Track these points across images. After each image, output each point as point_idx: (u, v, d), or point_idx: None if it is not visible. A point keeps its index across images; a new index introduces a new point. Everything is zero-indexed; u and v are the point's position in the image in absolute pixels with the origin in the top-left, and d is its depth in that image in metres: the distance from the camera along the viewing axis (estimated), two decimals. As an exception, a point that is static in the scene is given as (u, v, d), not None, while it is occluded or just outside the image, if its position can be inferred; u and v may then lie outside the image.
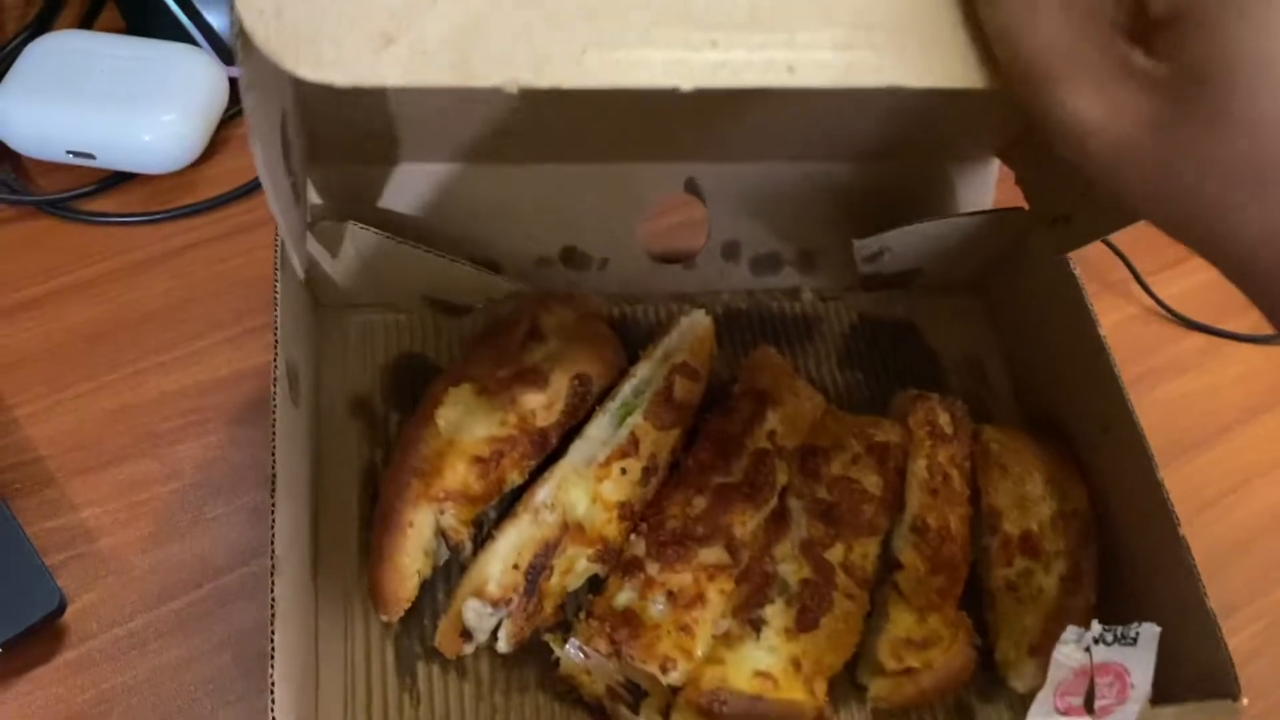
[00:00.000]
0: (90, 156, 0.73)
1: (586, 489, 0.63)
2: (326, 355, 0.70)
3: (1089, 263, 0.84)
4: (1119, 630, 0.53)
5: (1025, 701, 0.58)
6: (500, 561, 0.59)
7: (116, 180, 0.75)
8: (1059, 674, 0.55)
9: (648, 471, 0.64)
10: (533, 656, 0.63)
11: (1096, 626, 0.53)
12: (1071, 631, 0.54)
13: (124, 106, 0.73)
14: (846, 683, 0.64)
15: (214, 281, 0.73)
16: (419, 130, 0.66)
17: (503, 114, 0.64)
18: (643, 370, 0.68)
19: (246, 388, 0.70)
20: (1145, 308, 0.86)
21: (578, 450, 0.64)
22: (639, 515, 0.64)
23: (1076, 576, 0.65)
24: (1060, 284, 0.72)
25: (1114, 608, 0.66)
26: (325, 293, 0.70)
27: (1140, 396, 0.66)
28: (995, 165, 0.78)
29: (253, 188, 0.77)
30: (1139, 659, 0.54)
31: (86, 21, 0.83)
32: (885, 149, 0.73)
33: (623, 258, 0.76)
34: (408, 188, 0.73)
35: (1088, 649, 0.54)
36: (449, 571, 0.64)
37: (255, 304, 0.72)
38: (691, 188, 0.75)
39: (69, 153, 0.73)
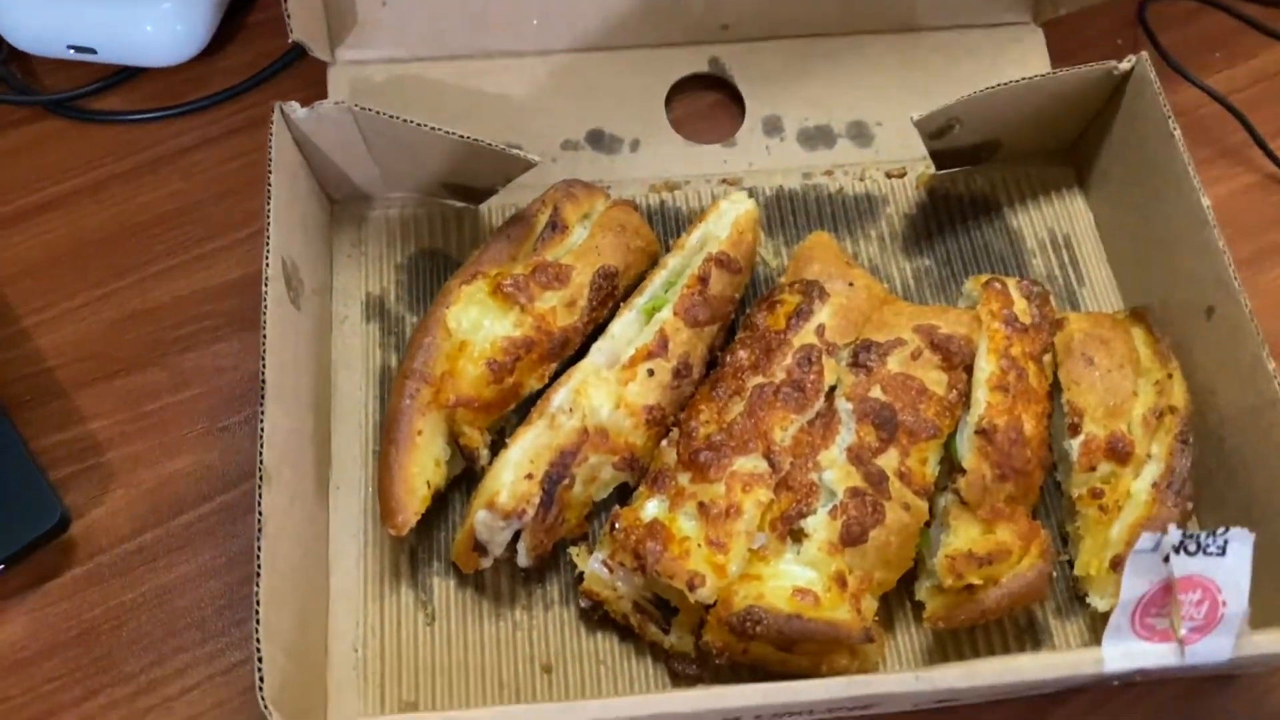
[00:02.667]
0: (92, 51, 0.69)
1: (609, 392, 0.57)
2: (341, 254, 0.66)
3: (1200, 124, 0.74)
4: (1202, 536, 0.45)
5: (1107, 622, 0.51)
6: (512, 470, 0.55)
7: (123, 76, 0.72)
8: (1135, 589, 0.47)
9: (678, 373, 0.59)
10: (555, 572, 0.58)
11: (1175, 531, 0.45)
12: (1147, 538, 0.46)
13: (124, -4, 0.69)
14: (901, 601, 0.58)
15: (225, 180, 0.69)
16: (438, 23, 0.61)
17: None
18: (674, 261, 0.61)
19: (259, 292, 0.66)
20: (1265, 175, 0.74)
21: (600, 350, 0.58)
22: (668, 420, 0.58)
23: (1170, 484, 0.57)
24: (1161, 149, 0.63)
25: (1214, 519, 0.59)
26: (337, 187, 0.66)
27: (1253, 278, 0.58)
28: (1041, 33, 0.72)
29: (264, 78, 0.72)
30: (1230, 572, 0.46)
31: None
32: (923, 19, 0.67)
33: (656, 139, 0.69)
34: (425, 85, 0.68)
35: (1167, 559, 0.46)
36: (468, 482, 0.59)
37: (269, 203, 0.68)
38: (717, 66, 0.69)
39: (70, 48, 0.69)
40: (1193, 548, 0.45)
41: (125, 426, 0.62)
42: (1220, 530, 0.46)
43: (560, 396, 0.57)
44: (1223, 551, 0.46)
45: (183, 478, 0.60)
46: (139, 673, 0.56)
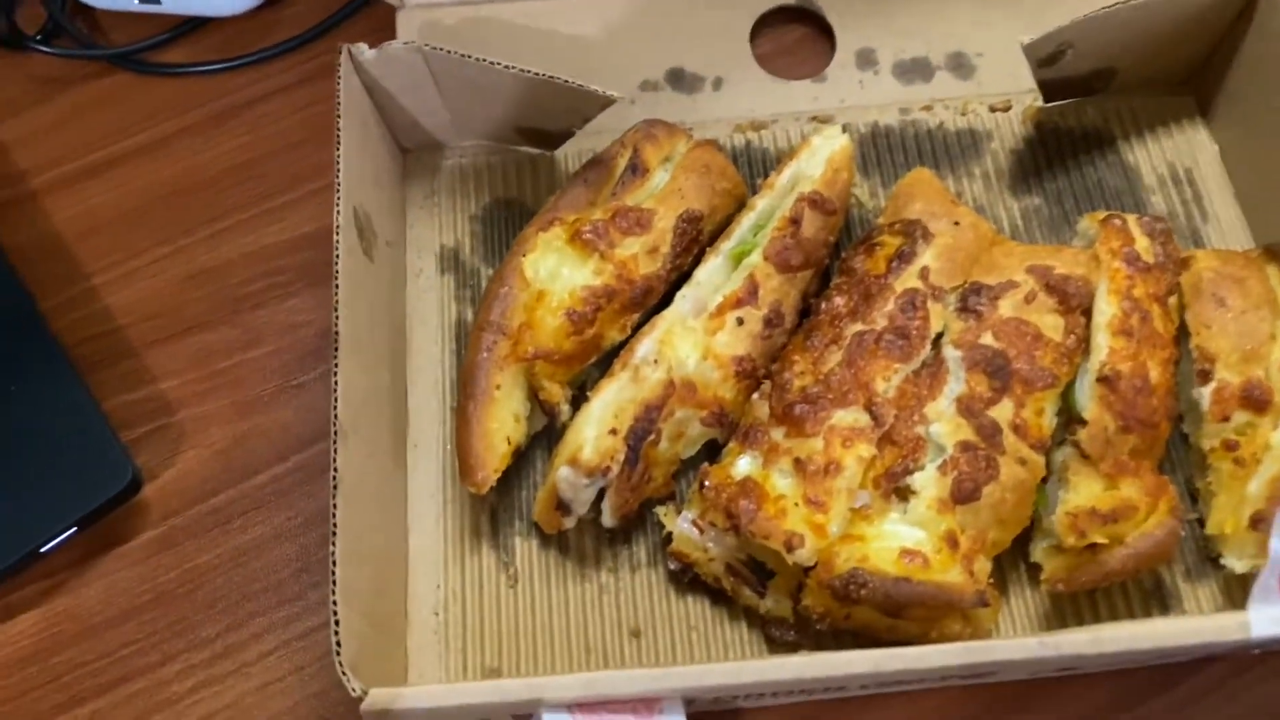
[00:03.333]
0: (156, 2, 0.68)
1: (696, 342, 0.54)
2: (414, 205, 0.63)
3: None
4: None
5: (1244, 585, 0.46)
6: (595, 425, 0.52)
7: (188, 27, 0.70)
8: None
9: (769, 321, 0.55)
10: (642, 532, 0.55)
11: None
12: None
13: (187, -57, 0.67)
14: (1015, 562, 0.54)
15: (294, 131, 0.67)
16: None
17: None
18: (763, 203, 0.58)
19: (331, 246, 0.63)
20: None
21: (686, 298, 0.55)
22: (760, 372, 0.55)
23: (1317, 433, 0.52)
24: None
25: (1368, 471, 0.53)
26: (408, 134, 0.63)
27: None
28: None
29: (331, 26, 0.70)
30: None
31: None
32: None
33: (740, 76, 0.65)
34: (497, 27, 0.64)
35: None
36: (549, 439, 0.56)
37: (339, 154, 0.66)
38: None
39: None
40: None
41: (197, 385, 0.60)
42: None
43: (644, 347, 0.53)
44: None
45: (256, 437, 0.59)
46: (215, 638, 0.54)
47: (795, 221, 0.56)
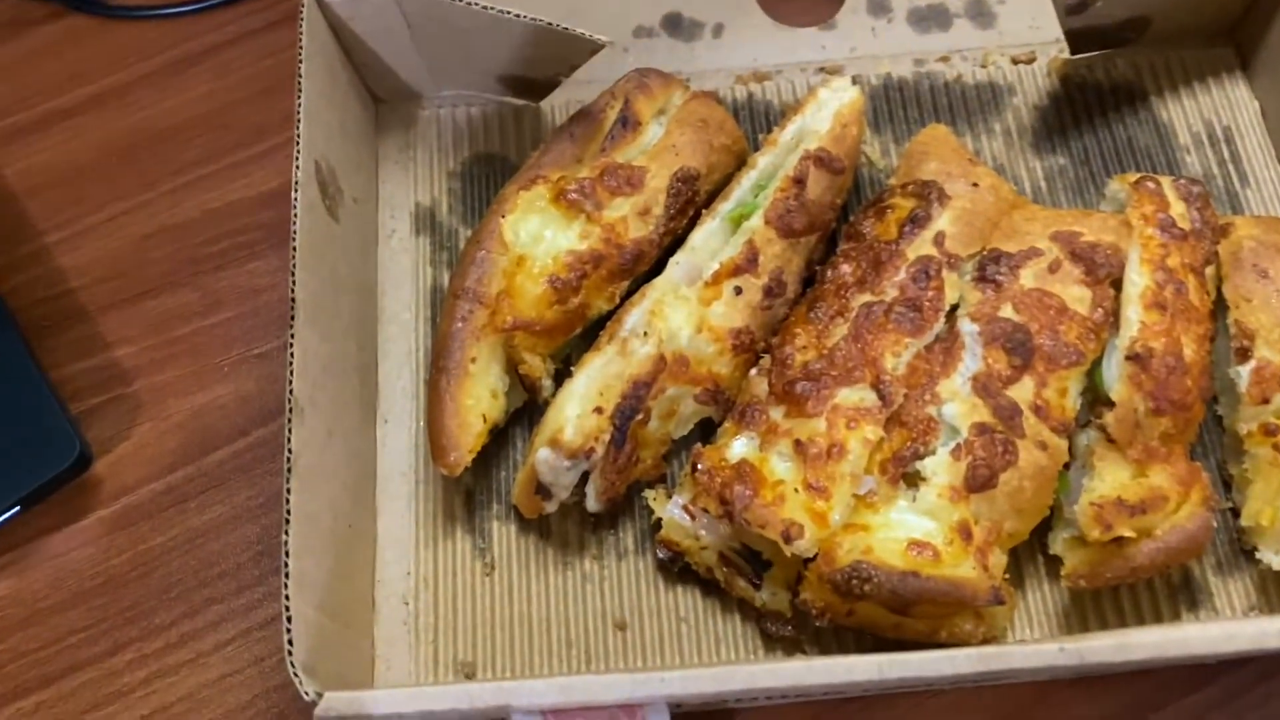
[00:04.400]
0: (115, -63, 0.63)
1: (690, 313, 0.50)
2: (387, 160, 0.59)
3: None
4: None
5: (1282, 582, 0.42)
6: (578, 403, 0.48)
7: (151, -33, 0.65)
8: None
9: (770, 291, 0.51)
10: (630, 517, 0.52)
11: None
12: None
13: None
14: (1033, 555, 0.50)
15: (262, 79, 0.63)
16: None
17: None
18: (765, 161, 0.53)
19: (296, 203, 0.60)
20: None
21: (679, 264, 0.51)
22: (759, 346, 0.51)
23: (1366, 418, 0.47)
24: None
25: None
26: (381, 83, 0.59)
27: None
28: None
29: (303, -35, 0.65)
30: None
31: None
32: None
33: (741, 23, 0.61)
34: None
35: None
36: (531, 416, 0.52)
37: (310, 104, 0.61)
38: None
39: (90, -64, 0.63)
40: None
41: (154, 353, 0.56)
42: None
43: (633, 319, 0.49)
44: None
45: (216, 410, 0.55)
46: (169, 625, 0.51)
47: (799, 181, 0.52)
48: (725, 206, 0.52)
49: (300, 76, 0.50)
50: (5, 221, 0.59)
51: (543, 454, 0.47)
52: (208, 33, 0.64)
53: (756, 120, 0.60)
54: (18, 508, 0.50)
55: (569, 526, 0.51)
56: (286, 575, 0.41)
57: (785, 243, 0.51)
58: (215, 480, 0.53)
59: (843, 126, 0.54)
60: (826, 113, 0.54)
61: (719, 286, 0.50)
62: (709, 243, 0.51)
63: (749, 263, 0.51)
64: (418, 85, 0.59)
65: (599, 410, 0.48)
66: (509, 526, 0.52)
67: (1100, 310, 0.49)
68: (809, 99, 0.55)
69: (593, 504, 0.50)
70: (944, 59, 0.61)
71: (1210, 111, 0.60)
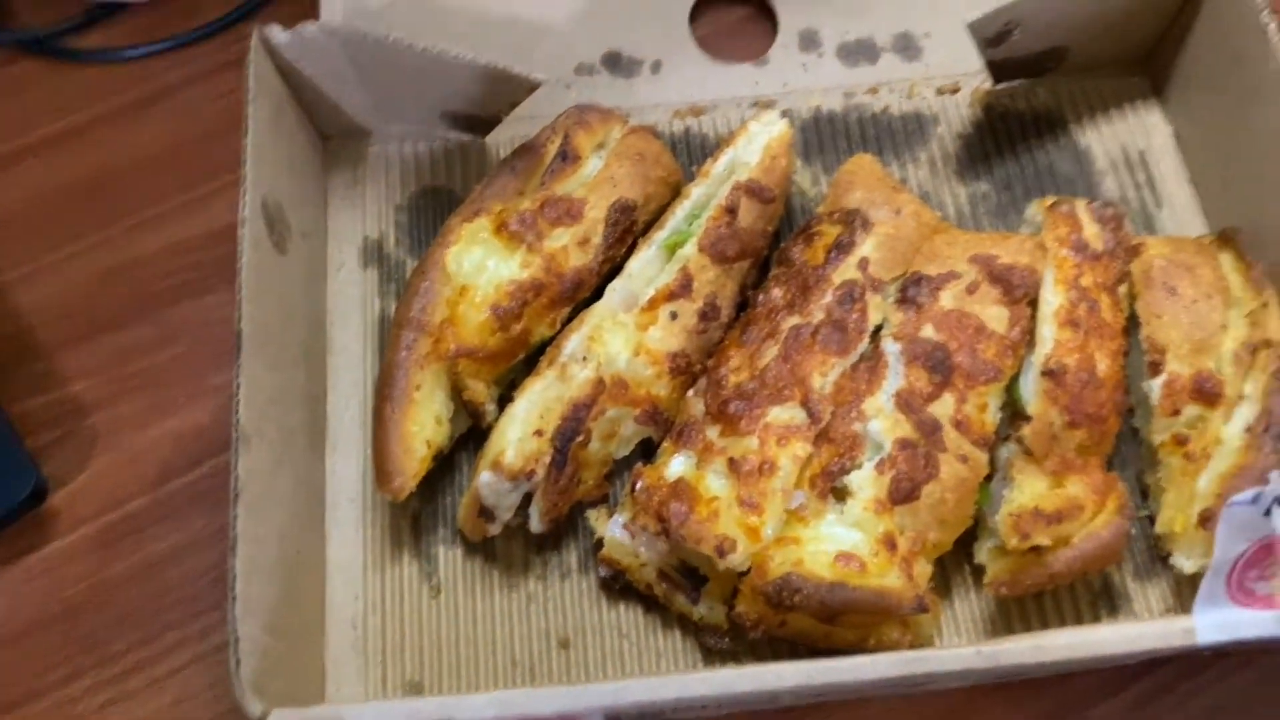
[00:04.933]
0: (69, -18, 0.65)
1: (628, 338, 0.52)
2: (335, 195, 0.61)
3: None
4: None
5: (1195, 585, 0.45)
6: (519, 426, 0.49)
7: (105, 11, 0.67)
8: (1230, 548, 0.42)
9: (704, 315, 0.53)
10: (572, 538, 0.53)
11: (1277, 481, 0.40)
12: (1247, 491, 0.40)
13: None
14: (959, 564, 0.52)
15: (215, 120, 0.64)
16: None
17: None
18: (698, 191, 0.55)
19: (247, 239, 0.61)
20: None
21: (616, 291, 0.53)
22: (694, 368, 0.53)
23: (1267, 427, 0.50)
24: (1252, 49, 0.55)
25: (1321, 466, 0.51)
26: (329, 121, 0.60)
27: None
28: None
29: (254, 8, 0.67)
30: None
31: None
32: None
33: (679, 59, 0.63)
34: (426, 8, 0.62)
35: (1268, 512, 0.40)
36: (476, 441, 0.54)
37: (262, 143, 0.63)
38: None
39: (46, -20, 0.64)
40: (1302, 501, 0.39)
41: (110, 387, 0.57)
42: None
43: (572, 344, 0.51)
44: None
45: (171, 441, 0.56)
46: (126, 652, 0.52)
47: (731, 210, 0.54)
48: (661, 235, 0.54)
49: (247, 117, 0.52)
50: (-38, 262, 0.60)
51: (485, 477, 0.49)
52: (161, 75, 0.65)
53: (693, 152, 0.61)
54: (-25, 540, 0.52)
55: (514, 548, 0.53)
56: (233, 598, 0.43)
57: (718, 269, 0.53)
58: (171, 510, 0.54)
59: (772, 158, 0.56)
60: (756, 145, 0.56)
61: (655, 311, 0.52)
62: (645, 270, 0.53)
63: (684, 288, 0.53)
64: (365, 122, 0.61)
65: (539, 433, 0.50)
66: (455, 550, 0.53)
67: (1017, 329, 0.52)
68: (740, 132, 0.57)
69: (536, 525, 0.51)
70: (872, 91, 0.63)
71: (1126, 137, 0.62)
